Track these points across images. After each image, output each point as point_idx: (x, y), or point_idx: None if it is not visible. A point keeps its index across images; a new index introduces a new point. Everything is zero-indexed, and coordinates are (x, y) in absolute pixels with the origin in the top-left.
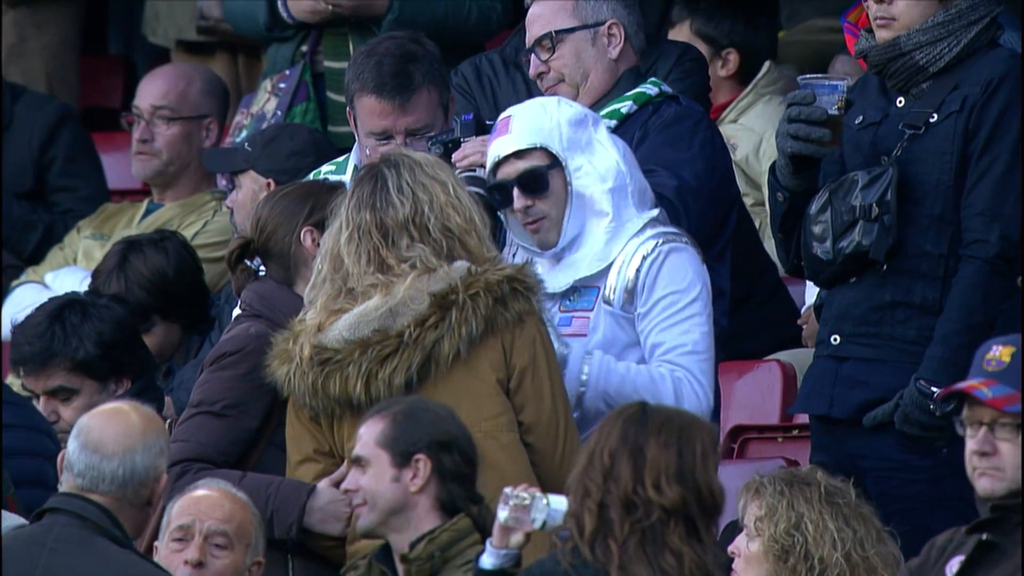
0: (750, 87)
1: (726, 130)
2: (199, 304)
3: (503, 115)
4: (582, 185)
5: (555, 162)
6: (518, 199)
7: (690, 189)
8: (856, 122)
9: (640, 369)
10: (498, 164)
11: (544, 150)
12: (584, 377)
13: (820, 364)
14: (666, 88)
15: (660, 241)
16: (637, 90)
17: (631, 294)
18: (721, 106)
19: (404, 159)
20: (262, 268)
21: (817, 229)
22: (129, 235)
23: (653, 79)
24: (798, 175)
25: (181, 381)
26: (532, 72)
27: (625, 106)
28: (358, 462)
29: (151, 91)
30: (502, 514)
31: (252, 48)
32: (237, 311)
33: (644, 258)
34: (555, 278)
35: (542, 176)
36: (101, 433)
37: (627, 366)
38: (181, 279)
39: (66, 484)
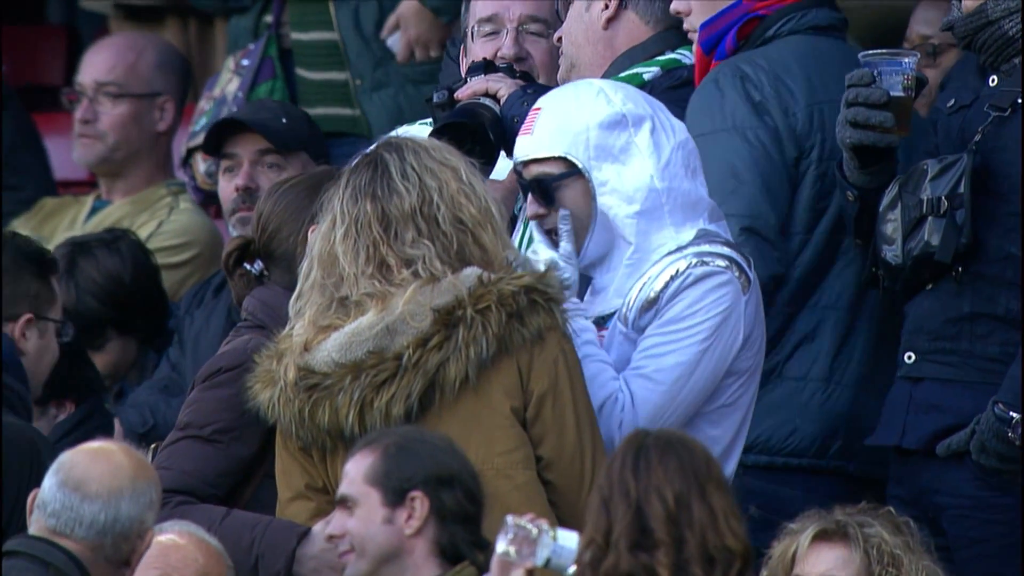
0: None
1: None
2: (158, 315)
3: (535, 105)
4: (606, 204)
5: (575, 170)
6: (530, 206)
7: None
8: (948, 106)
9: (605, 370)
10: (521, 166)
11: (565, 159)
12: None
13: (896, 386)
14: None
15: (695, 262)
16: (671, 55)
17: (645, 311)
18: None
19: (407, 143)
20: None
21: (887, 229)
22: (74, 236)
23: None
24: (866, 170)
25: (135, 403)
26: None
27: (649, 72)
28: (344, 503)
29: (96, 64)
30: (501, 545)
31: (207, 14)
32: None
33: (672, 277)
34: (590, 304)
35: (548, 188)
36: (86, 471)
37: (602, 364)
38: (139, 285)
39: (35, 526)
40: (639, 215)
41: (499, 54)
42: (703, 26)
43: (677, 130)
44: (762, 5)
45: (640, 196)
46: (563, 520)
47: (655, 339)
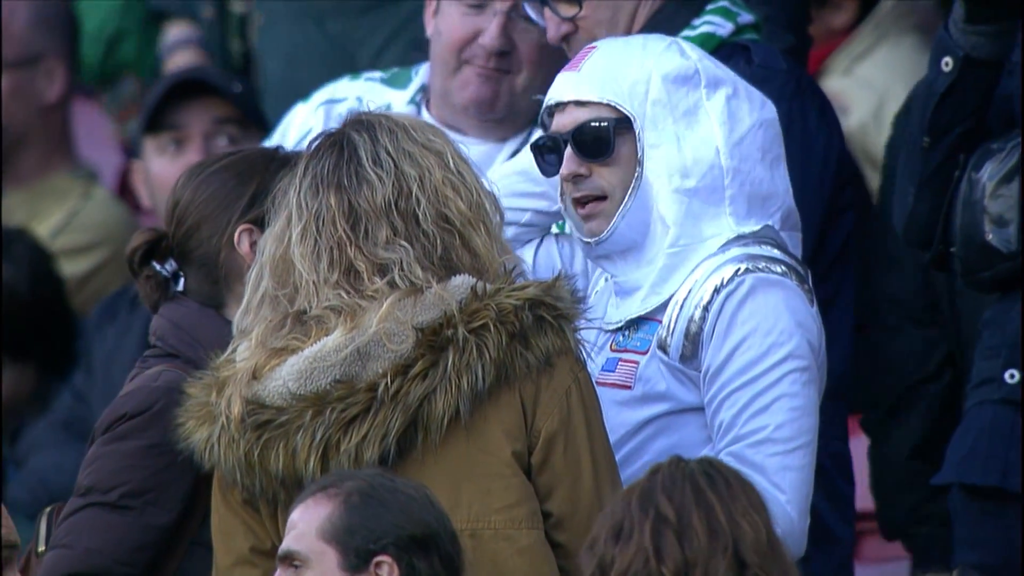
0: (869, 22)
1: (833, 84)
2: (61, 334)
3: (592, 44)
4: (651, 172)
5: (626, 122)
6: (568, 162)
7: None
8: None
9: None
10: (554, 110)
11: (615, 109)
12: None
13: (988, 412)
14: (744, 16)
15: (742, 268)
16: (702, 29)
17: (694, 342)
18: (826, 51)
19: (381, 119)
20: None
21: (996, 207)
22: None
23: (723, 3)
24: (976, 26)
25: (31, 446)
26: (553, 35)
27: None
28: (290, 560)
29: None
30: None
31: None
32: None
33: (716, 291)
34: (613, 308)
35: (604, 135)
36: None
37: None
38: (38, 299)
39: None
40: (691, 193)
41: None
42: None
43: (765, 106)
44: None
45: (698, 170)
46: None
47: (745, 391)
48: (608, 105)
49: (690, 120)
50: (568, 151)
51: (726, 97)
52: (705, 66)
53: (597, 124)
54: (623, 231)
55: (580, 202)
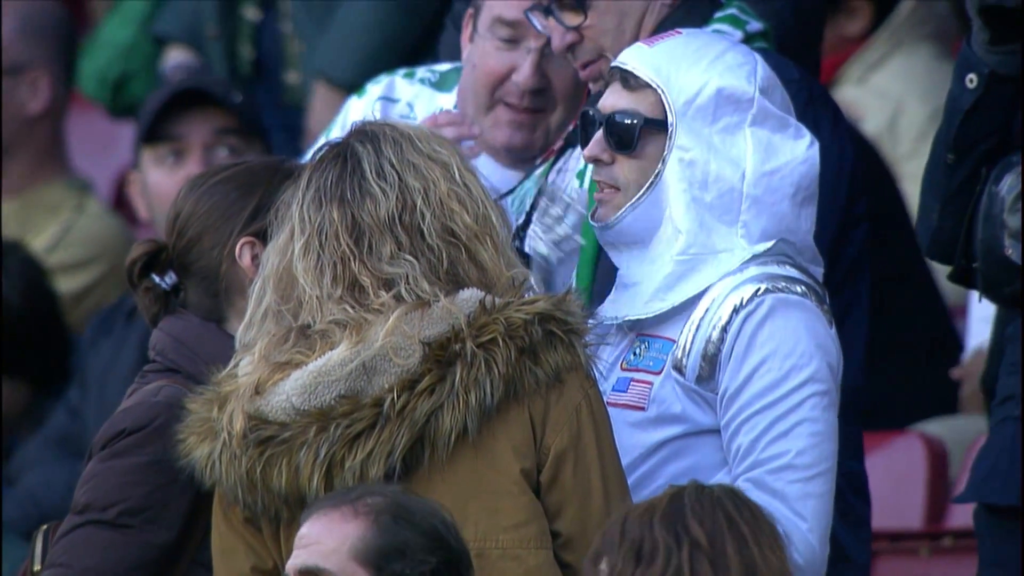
0: (884, 30)
1: (846, 94)
2: (56, 350)
3: (679, 28)
4: (672, 173)
5: (662, 123)
6: (593, 145)
7: None
8: None
9: None
10: (610, 79)
11: (660, 99)
12: None
13: (1009, 429)
14: (753, 25)
15: (762, 288)
16: None
17: (712, 363)
18: (840, 59)
19: (385, 130)
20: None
21: (1014, 220)
22: None
23: (731, 11)
24: (1000, 46)
25: (23, 464)
26: (558, 44)
27: None
28: None
29: None
30: None
31: None
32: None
33: (735, 311)
34: (610, 303)
35: (630, 130)
36: None
37: None
38: (31, 312)
39: None
40: (705, 206)
41: (514, 78)
42: None
43: (812, 146)
44: None
45: (717, 188)
46: None
47: (765, 415)
48: (654, 90)
49: (725, 137)
50: (597, 134)
51: (770, 130)
52: (761, 99)
53: (626, 117)
54: (630, 223)
55: (599, 185)
